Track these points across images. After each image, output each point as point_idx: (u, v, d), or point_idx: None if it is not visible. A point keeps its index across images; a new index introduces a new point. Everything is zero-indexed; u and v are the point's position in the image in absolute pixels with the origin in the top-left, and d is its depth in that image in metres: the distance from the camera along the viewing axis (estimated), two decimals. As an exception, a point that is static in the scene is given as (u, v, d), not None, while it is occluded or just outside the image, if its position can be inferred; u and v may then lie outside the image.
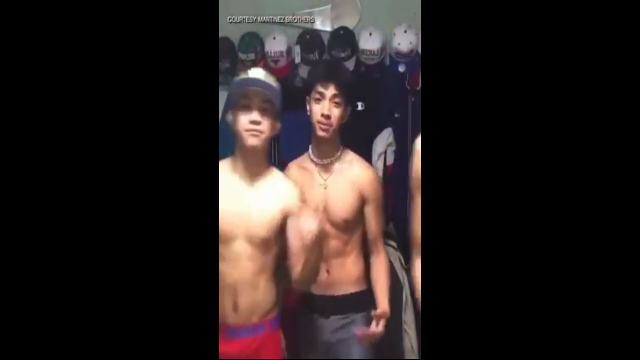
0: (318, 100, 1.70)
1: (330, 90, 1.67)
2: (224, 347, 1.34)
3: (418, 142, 1.41)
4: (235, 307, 1.47)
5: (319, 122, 1.68)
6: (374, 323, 1.63)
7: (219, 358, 1.18)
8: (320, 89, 1.69)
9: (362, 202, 1.76)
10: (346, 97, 1.69)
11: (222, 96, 2.50)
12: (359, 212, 1.76)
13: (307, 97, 1.73)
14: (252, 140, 1.49)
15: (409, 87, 2.01)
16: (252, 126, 1.49)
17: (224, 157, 2.06)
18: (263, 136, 1.50)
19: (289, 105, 1.81)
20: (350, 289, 1.78)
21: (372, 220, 1.78)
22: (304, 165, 1.77)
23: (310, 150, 1.78)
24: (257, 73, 1.56)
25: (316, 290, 1.72)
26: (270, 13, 2.58)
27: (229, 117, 1.55)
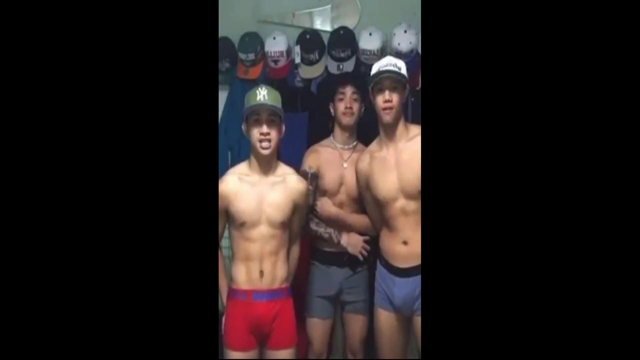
0: (341, 100, 2.14)
1: (349, 89, 2.14)
2: (251, 311, 1.85)
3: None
4: (261, 274, 1.87)
5: (344, 114, 2.14)
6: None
7: (248, 320, 1.82)
8: (342, 89, 2.15)
9: None
10: (361, 94, 2.15)
11: (222, 96, 2.51)
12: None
13: (331, 104, 2.18)
14: (264, 152, 1.85)
15: (409, 87, 2.04)
16: (262, 137, 1.84)
17: (225, 155, 2.44)
18: (273, 144, 1.85)
19: (288, 105, 1.99)
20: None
21: None
22: (329, 149, 2.21)
23: (332, 138, 2.22)
24: (262, 92, 1.86)
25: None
26: (270, 13, 2.59)
27: (244, 128, 1.91)
